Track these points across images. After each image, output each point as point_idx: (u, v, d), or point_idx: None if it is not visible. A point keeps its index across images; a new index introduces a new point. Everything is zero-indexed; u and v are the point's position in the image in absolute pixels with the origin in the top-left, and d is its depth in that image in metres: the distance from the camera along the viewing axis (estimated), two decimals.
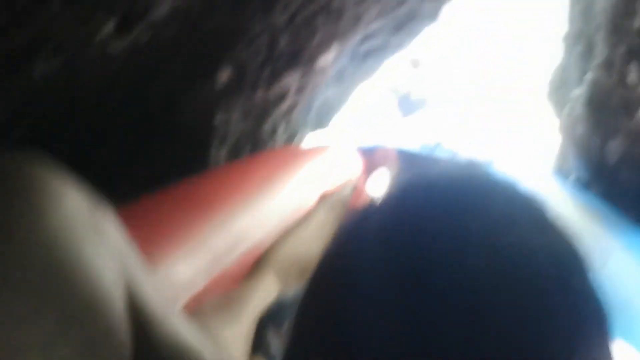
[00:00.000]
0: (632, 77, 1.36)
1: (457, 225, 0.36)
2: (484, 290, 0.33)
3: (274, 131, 2.00)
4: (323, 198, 1.56)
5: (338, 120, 3.22)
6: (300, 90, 1.97)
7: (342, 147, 2.32)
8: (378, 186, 2.10)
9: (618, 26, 1.38)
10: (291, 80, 1.80)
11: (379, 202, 0.43)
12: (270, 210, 1.39)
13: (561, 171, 2.13)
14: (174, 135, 1.52)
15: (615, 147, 1.53)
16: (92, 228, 0.39)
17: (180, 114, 1.51)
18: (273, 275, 1.16)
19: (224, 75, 1.51)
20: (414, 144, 2.56)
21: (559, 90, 2.16)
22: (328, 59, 1.88)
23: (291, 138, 2.27)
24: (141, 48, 1.21)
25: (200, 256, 1.06)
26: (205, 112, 1.57)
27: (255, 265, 1.18)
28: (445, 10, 2.47)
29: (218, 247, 1.12)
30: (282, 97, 1.84)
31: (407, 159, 2.42)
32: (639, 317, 0.90)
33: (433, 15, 2.40)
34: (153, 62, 1.34)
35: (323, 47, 1.77)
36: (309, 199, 1.59)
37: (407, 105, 4.71)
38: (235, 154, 1.79)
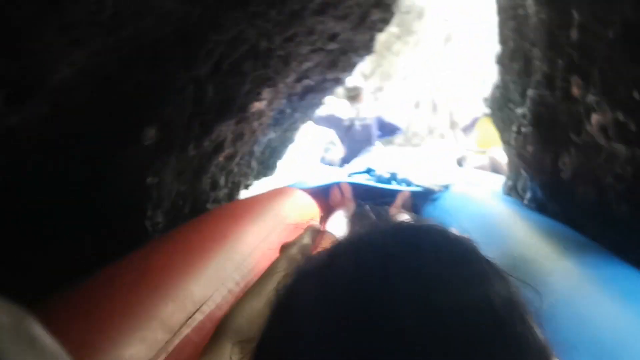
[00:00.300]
0: (575, 90, 1.32)
1: (390, 288, 0.37)
2: (421, 351, 0.34)
3: (214, 185, 1.88)
4: (283, 249, 1.47)
5: (285, 163, 3.14)
6: (237, 139, 1.86)
7: (294, 190, 2.23)
8: (337, 229, 2.02)
9: (555, 40, 1.34)
10: (225, 130, 1.69)
11: (312, 267, 0.44)
12: (225, 272, 1.33)
13: (515, 191, 2.08)
14: (103, 205, 1.38)
15: (568, 163, 1.48)
16: (21, 340, 0.38)
17: (106, 182, 1.38)
18: (232, 347, 1.06)
19: (150, 134, 1.39)
20: (368, 177, 2.51)
21: (502, 109, 2.13)
22: (262, 104, 1.78)
23: (235, 190, 2.15)
24: (46, 117, 1.08)
25: (155, 331, 1.02)
26: (134, 176, 1.44)
27: (213, 336, 1.10)
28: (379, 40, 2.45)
29: (173, 319, 1.07)
30: (217, 149, 1.73)
31: (363, 194, 2.37)
32: (599, 342, 0.85)
33: (367, 46, 2.35)
34: (65, 130, 1.21)
35: (254, 92, 1.68)
36: (269, 251, 1.51)
37: (352, 139, 4.72)
38: (174, 216, 1.66)
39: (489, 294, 0.39)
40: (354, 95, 4.79)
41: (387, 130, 4.86)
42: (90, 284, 1.10)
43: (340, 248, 0.46)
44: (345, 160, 4.74)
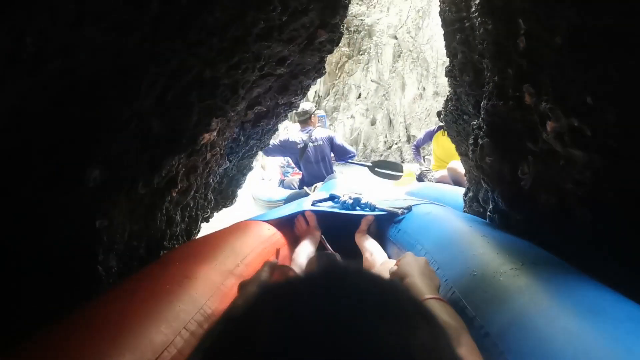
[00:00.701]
0: (527, 99, 1.31)
1: (306, 337, 0.37)
2: None
3: (170, 222, 1.80)
4: (241, 287, 1.42)
5: (245, 192, 3.07)
6: (191, 172, 1.79)
7: (257, 223, 2.18)
8: (303, 258, 1.96)
9: (503, 50, 1.33)
10: (176, 164, 1.62)
11: (231, 321, 0.44)
12: (187, 314, 1.28)
13: (477, 202, 2.07)
14: (49, 253, 1.29)
15: (527, 172, 1.47)
16: None
17: (50, 229, 1.29)
18: None
19: (93, 175, 1.31)
20: (332, 205, 2.48)
21: (456, 121, 2.13)
22: (212, 135, 1.72)
23: (193, 224, 2.07)
24: None
25: None
26: (80, 220, 1.36)
27: None
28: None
29: None
30: (170, 184, 1.65)
31: (328, 221, 2.33)
32: (556, 358, 0.86)
33: (317, 68, 2.32)
34: None
35: (203, 123, 1.61)
36: (234, 287, 1.47)
37: (307, 161, 4.77)
38: (130, 258, 1.58)
39: (409, 341, 0.39)
40: (305, 119, 4.85)
41: (342, 155, 4.94)
42: (42, 338, 1.05)
43: (260, 300, 0.46)
44: (303, 182, 4.79)
